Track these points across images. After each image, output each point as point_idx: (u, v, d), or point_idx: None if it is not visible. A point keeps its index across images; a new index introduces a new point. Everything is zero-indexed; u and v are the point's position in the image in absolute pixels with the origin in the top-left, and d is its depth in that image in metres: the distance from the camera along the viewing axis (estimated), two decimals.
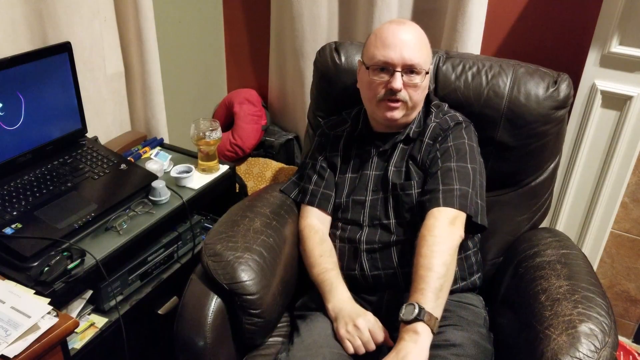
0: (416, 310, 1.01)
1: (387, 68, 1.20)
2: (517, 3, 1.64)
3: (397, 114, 1.23)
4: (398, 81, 1.18)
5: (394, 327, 1.21)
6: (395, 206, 1.24)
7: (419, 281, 1.06)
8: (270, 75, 2.13)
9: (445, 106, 1.32)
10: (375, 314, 1.23)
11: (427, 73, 1.22)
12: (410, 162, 1.25)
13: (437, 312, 1.04)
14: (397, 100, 1.21)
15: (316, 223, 1.32)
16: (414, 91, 1.21)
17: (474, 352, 1.11)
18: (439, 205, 1.15)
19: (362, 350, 1.10)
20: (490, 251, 1.40)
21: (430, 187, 1.19)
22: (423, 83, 1.22)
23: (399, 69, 1.18)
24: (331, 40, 1.66)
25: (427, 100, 1.32)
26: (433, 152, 1.24)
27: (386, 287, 1.23)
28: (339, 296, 1.18)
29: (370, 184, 1.28)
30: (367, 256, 1.24)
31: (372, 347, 1.10)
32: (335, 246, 1.29)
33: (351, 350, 1.10)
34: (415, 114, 1.28)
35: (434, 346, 1.04)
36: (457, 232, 1.13)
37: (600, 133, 1.55)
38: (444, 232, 1.11)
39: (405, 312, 1.02)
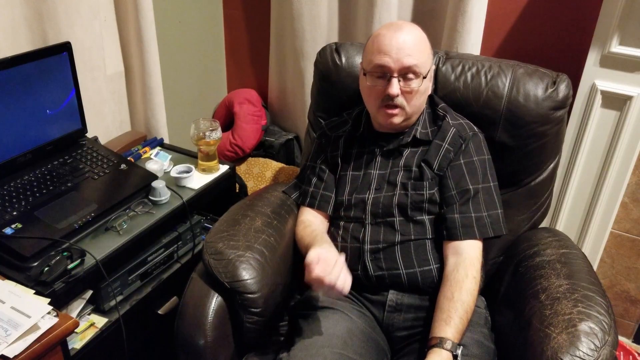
0: (459, 354, 1.06)
1: (384, 74, 1.19)
2: (517, 3, 1.64)
3: (397, 120, 1.23)
4: (394, 87, 1.18)
5: (395, 328, 1.22)
6: (401, 204, 1.24)
7: (464, 320, 1.10)
8: (270, 75, 2.13)
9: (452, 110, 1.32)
10: (378, 314, 1.24)
11: (425, 77, 1.20)
12: (424, 164, 1.25)
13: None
14: (395, 107, 1.21)
15: (311, 218, 1.34)
16: (411, 97, 1.20)
17: (478, 352, 1.11)
18: (475, 237, 1.20)
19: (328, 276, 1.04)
20: (490, 251, 1.40)
21: (464, 212, 1.21)
22: (421, 87, 1.21)
23: (396, 75, 1.18)
24: (331, 41, 1.66)
25: (433, 102, 1.32)
26: (456, 161, 1.24)
27: (389, 287, 1.23)
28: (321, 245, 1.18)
29: (373, 183, 1.28)
30: (371, 256, 1.23)
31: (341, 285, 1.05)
32: (337, 246, 1.28)
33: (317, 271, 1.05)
34: (416, 117, 1.27)
35: None
36: (478, 276, 1.18)
37: (600, 133, 1.55)
38: (477, 273, 1.17)
39: (451, 348, 1.06)
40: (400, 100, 1.20)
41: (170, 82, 1.89)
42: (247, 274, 1.16)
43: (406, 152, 1.28)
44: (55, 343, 0.98)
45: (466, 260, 1.17)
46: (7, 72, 1.29)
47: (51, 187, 1.36)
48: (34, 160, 1.41)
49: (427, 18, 1.73)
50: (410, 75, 1.18)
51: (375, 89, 1.21)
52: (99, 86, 1.65)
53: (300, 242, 1.31)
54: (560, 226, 1.70)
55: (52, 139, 1.45)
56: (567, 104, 1.32)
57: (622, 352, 1.73)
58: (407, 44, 1.18)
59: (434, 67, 1.32)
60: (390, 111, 1.21)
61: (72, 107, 1.49)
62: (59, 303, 1.16)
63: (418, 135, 1.27)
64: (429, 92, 1.28)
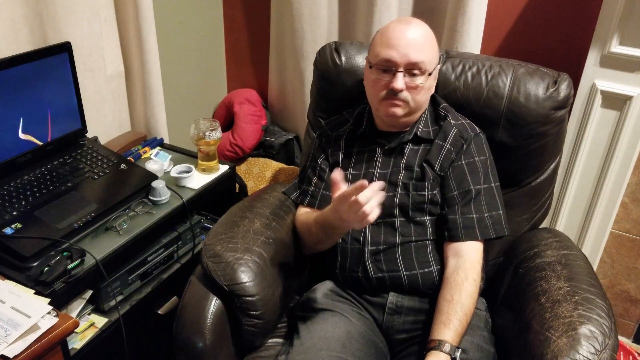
0: (458, 357, 1.06)
1: (390, 68, 1.19)
2: (517, 3, 1.64)
3: (399, 111, 1.22)
4: (399, 82, 1.17)
5: (394, 331, 1.22)
6: (402, 205, 1.24)
7: (463, 323, 1.10)
8: (270, 75, 2.13)
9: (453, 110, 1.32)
10: (377, 316, 1.23)
11: (430, 74, 1.20)
12: (425, 164, 1.24)
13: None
14: (399, 99, 1.21)
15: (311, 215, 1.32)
16: (416, 93, 1.20)
17: (478, 356, 1.11)
18: (476, 238, 1.19)
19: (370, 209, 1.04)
20: (490, 251, 1.39)
21: (465, 213, 1.20)
22: (426, 84, 1.21)
23: (401, 69, 1.17)
24: (331, 40, 1.66)
25: (435, 101, 1.32)
26: (457, 161, 1.24)
27: (390, 289, 1.23)
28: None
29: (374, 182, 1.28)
30: (371, 258, 1.23)
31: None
32: (337, 247, 1.28)
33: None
34: (419, 114, 1.27)
35: None
36: (479, 278, 1.18)
37: (600, 133, 1.55)
38: (477, 275, 1.17)
39: (450, 350, 1.06)
40: (404, 95, 1.19)
41: (170, 82, 1.89)
42: (246, 277, 1.15)
43: (407, 150, 1.27)
44: (55, 343, 0.98)
45: (467, 262, 1.17)
46: (7, 72, 1.29)
47: (51, 187, 1.36)
48: (34, 160, 1.41)
49: (427, 17, 1.72)
50: (416, 71, 1.18)
51: (380, 82, 1.21)
52: (99, 86, 1.65)
53: (306, 226, 1.29)
54: (560, 226, 1.70)
55: (52, 139, 1.45)
56: (568, 103, 1.32)
57: (622, 352, 1.73)
58: (415, 40, 1.18)
59: (439, 66, 1.32)
60: (393, 101, 1.20)
61: (72, 107, 1.49)
62: (59, 303, 1.16)
63: (419, 133, 1.26)
64: (432, 90, 1.28)
